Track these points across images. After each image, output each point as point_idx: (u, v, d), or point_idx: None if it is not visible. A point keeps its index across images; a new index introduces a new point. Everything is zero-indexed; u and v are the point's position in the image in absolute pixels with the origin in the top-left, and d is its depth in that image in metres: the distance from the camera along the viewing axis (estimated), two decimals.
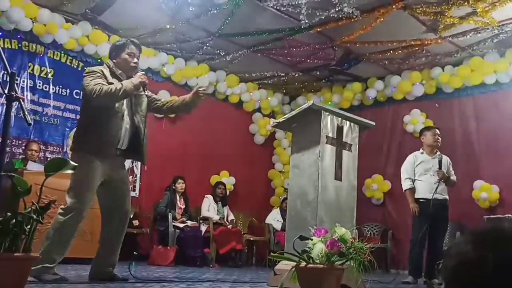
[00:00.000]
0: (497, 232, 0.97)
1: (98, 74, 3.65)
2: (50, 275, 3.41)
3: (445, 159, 5.78)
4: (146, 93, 3.89)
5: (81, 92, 4.01)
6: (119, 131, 3.70)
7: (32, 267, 3.12)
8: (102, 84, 3.58)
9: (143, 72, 3.89)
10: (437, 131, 5.86)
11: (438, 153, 5.76)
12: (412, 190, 5.70)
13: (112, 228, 3.77)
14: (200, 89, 3.95)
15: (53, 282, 3.36)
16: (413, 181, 5.71)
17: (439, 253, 5.43)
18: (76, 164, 2.49)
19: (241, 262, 7.72)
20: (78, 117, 4.64)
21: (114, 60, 3.83)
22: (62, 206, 3.55)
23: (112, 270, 3.77)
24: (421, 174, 5.68)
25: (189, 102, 3.98)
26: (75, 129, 4.34)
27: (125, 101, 3.74)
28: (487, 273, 0.90)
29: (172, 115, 4.42)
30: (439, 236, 5.59)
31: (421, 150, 5.84)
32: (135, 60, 3.85)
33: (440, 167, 5.58)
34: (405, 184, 5.75)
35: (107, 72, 3.72)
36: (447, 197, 5.65)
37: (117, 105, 3.69)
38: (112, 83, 3.64)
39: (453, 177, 5.77)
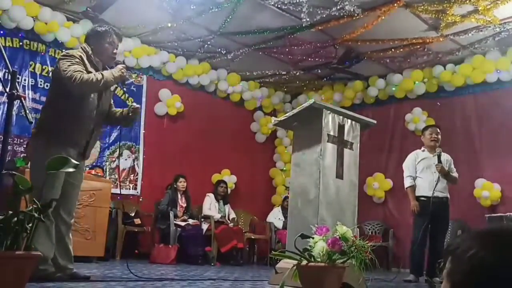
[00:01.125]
0: (508, 233, 0.95)
1: (77, 60, 3.47)
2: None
3: (446, 156, 5.80)
4: (124, 89, 3.81)
5: (53, 75, 3.67)
6: (92, 122, 3.59)
7: None
8: (82, 71, 3.41)
9: (124, 65, 3.73)
10: (436, 129, 5.87)
11: (439, 150, 5.77)
12: (413, 188, 5.72)
13: (66, 218, 3.60)
14: (134, 107, 3.82)
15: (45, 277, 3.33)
16: (415, 178, 5.74)
17: (440, 251, 5.43)
18: (77, 163, 2.48)
19: (242, 260, 7.71)
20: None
21: (92, 46, 3.64)
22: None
23: (72, 267, 3.61)
24: (422, 171, 5.70)
25: (128, 116, 3.82)
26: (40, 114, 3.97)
27: (96, 94, 3.61)
28: (506, 277, 0.88)
29: (110, 124, 4.27)
30: (440, 235, 5.59)
31: (422, 148, 5.87)
32: (115, 50, 3.70)
33: (439, 161, 5.59)
34: (406, 182, 5.79)
35: (85, 58, 3.54)
36: (448, 195, 5.65)
37: (92, 95, 3.57)
38: (90, 72, 3.48)
39: (455, 174, 5.77)
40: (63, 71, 3.39)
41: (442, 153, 5.75)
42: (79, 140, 3.57)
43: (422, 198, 5.60)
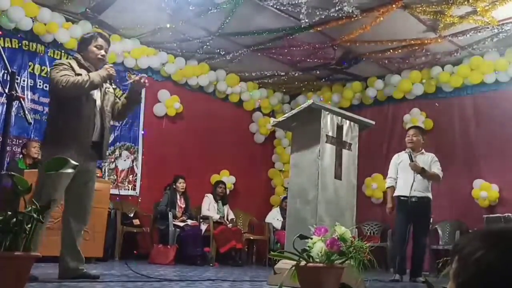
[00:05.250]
0: None
1: (65, 66, 3.66)
2: None
3: (426, 156, 5.85)
4: (113, 87, 3.97)
5: (49, 86, 3.90)
6: (92, 117, 3.71)
7: None
8: (69, 75, 3.58)
9: (111, 65, 3.88)
10: (412, 131, 5.96)
11: (423, 151, 5.87)
12: (392, 189, 5.88)
13: (76, 222, 3.73)
14: (137, 78, 3.94)
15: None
16: (396, 180, 5.87)
17: (421, 251, 5.68)
18: (76, 164, 2.48)
19: (241, 261, 7.71)
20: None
21: (81, 53, 3.85)
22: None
23: (83, 267, 3.73)
24: (401, 172, 5.82)
25: (130, 94, 4.00)
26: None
27: (98, 94, 3.79)
28: None
29: (124, 115, 4.36)
30: (420, 235, 5.70)
31: (406, 150, 5.92)
32: (102, 52, 3.87)
33: (411, 160, 5.68)
34: (386, 183, 5.99)
35: (74, 64, 3.72)
36: (428, 195, 5.69)
37: (94, 95, 3.75)
38: (80, 74, 3.65)
39: (435, 171, 5.75)
40: (52, 79, 3.61)
41: (425, 153, 5.86)
42: (83, 139, 3.66)
43: (402, 198, 5.71)
